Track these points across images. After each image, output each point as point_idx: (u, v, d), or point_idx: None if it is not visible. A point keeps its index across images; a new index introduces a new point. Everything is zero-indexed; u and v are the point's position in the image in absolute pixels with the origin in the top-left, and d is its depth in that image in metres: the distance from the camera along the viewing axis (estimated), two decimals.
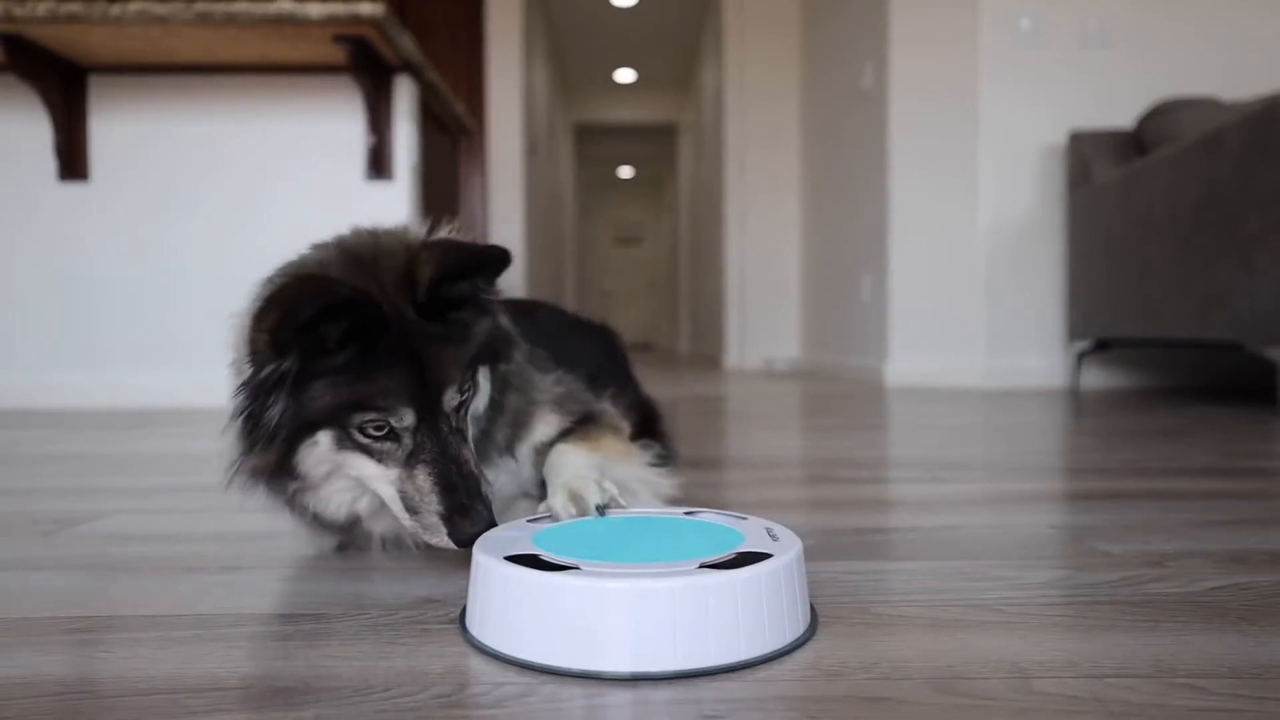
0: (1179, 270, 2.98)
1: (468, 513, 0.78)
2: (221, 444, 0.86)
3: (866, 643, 0.68)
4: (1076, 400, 3.17)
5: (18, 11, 2.50)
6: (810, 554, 0.94)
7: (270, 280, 0.86)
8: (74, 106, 2.93)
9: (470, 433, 0.88)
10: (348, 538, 0.97)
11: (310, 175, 3.02)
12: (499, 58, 5.88)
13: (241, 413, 0.81)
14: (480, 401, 0.91)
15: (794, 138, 6.11)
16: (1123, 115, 3.79)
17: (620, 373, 1.46)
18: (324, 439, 0.81)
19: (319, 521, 0.93)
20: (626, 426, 1.15)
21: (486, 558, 0.69)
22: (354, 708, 0.57)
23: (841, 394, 3.57)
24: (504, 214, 5.96)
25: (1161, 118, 3.38)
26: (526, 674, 0.62)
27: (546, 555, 0.69)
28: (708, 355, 7.69)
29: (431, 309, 0.81)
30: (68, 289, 3.00)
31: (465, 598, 0.76)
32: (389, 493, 0.82)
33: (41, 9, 2.50)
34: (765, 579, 0.65)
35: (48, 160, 2.95)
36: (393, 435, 0.80)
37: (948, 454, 1.80)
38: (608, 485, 0.89)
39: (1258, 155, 2.58)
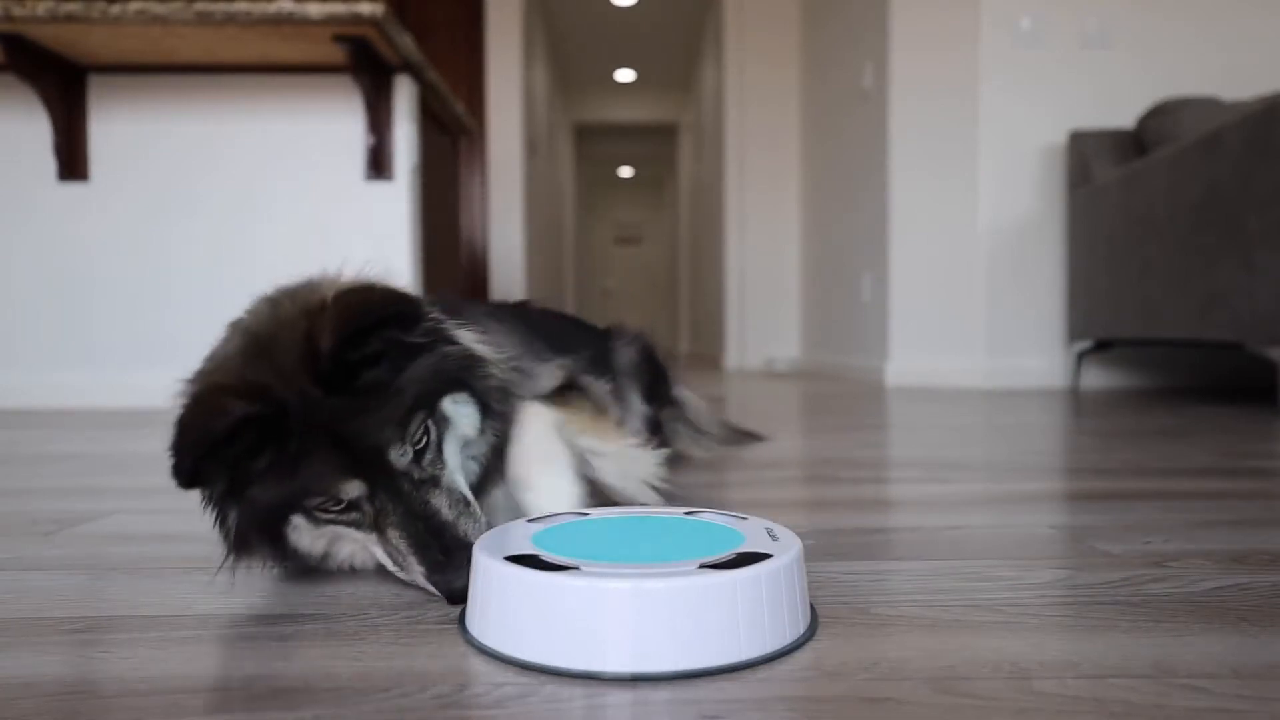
0: (1179, 270, 2.98)
1: (447, 567, 0.76)
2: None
3: (866, 643, 0.68)
4: (1076, 400, 3.17)
5: (17, 11, 2.50)
6: (810, 554, 0.94)
7: (190, 383, 0.83)
8: (74, 106, 2.93)
9: (454, 465, 0.84)
10: None
11: (310, 175, 3.02)
12: (499, 58, 5.88)
13: (214, 523, 0.81)
14: (464, 429, 0.86)
15: (794, 138, 6.11)
16: (1123, 115, 3.79)
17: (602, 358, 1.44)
18: (299, 521, 0.79)
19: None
20: (613, 407, 1.12)
21: (486, 558, 0.69)
22: (354, 708, 0.57)
23: (842, 394, 3.57)
24: (504, 214, 5.96)
25: (1162, 118, 3.38)
26: (526, 674, 0.62)
27: (546, 555, 0.69)
28: (708, 355, 7.69)
29: (341, 378, 0.75)
30: (68, 289, 3.00)
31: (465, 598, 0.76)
32: (379, 553, 0.80)
33: (41, 9, 2.50)
34: (765, 579, 0.65)
35: (47, 160, 2.95)
36: (352, 506, 0.78)
37: (948, 454, 1.80)
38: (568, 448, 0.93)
39: (1258, 155, 2.57)
